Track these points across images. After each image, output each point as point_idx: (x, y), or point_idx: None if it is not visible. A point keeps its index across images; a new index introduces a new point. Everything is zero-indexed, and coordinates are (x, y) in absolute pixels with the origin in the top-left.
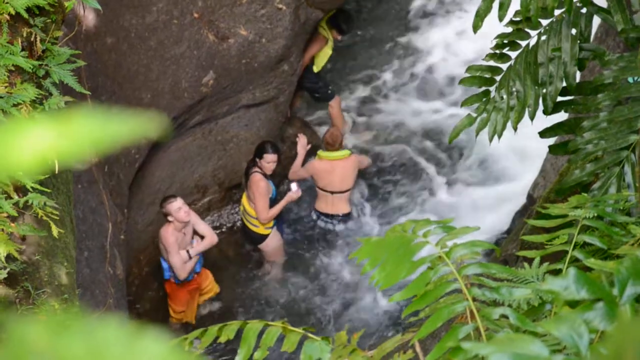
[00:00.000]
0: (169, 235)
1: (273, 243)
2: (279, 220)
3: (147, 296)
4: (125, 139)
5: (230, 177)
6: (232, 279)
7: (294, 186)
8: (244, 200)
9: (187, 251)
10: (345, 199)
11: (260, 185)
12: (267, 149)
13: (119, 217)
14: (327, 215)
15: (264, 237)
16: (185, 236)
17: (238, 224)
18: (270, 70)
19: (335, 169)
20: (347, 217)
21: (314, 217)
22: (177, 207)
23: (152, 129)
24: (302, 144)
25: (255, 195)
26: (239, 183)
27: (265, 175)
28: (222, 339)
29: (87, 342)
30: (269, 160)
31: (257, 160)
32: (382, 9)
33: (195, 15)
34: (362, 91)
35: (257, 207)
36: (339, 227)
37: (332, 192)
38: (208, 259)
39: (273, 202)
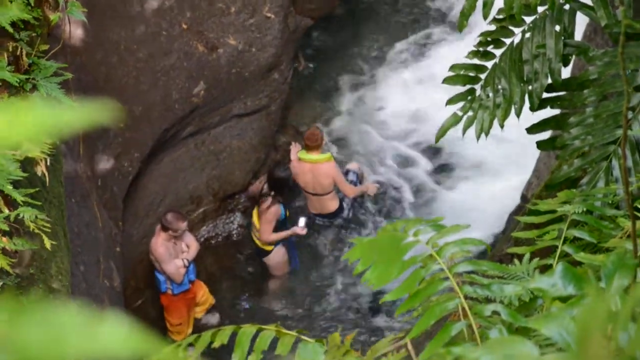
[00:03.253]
0: (158, 246)
1: (276, 258)
2: (291, 246)
3: (145, 308)
4: (79, 125)
5: (224, 187)
6: (229, 288)
7: (301, 222)
8: (255, 213)
9: (183, 260)
10: (329, 198)
11: (271, 211)
12: (287, 181)
13: (113, 230)
14: (319, 215)
15: (267, 252)
16: (176, 245)
17: (234, 233)
18: (261, 79)
19: (313, 172)
20: (338, 212)
21: (312, 216)
22: (183, 229)
23: (106, 116)
24: (296, 152)
25: (264, 217)
26: (234, 193)
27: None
28: (216, 344)
29: (46, 328)
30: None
31: (282, 192)
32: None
33: (184, 26)
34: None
35: (262, 228)
36: (337, 221)
37: (312, 194)
38: (204, 269)
39: (281, 224)
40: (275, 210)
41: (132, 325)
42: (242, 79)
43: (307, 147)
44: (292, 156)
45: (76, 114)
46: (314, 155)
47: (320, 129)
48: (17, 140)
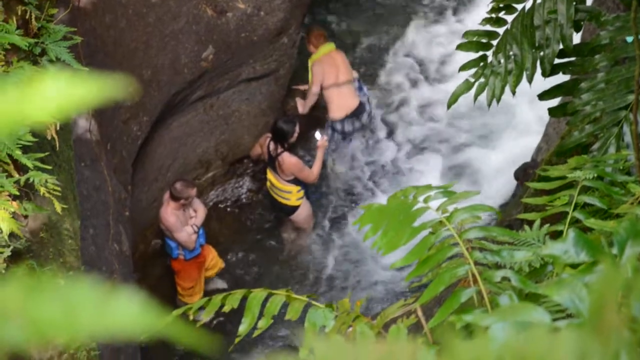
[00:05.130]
0: (168, 215)
1: (304, 212)
2: (305, 189)
3: (154, 272)
4: (94, 100)
5: (233, 151)
6: (239, 252)
7: (317, 135)
8: (271, 176)
9: (192, 226)
10: (353, 88)
11: (293, 163)
12: (291, 131)
13: (123, 194)
14: (346, 118)
15: (295, 208)
16: (185, 212)
17: (243, 198)
18: (270, 43)
19: (335, 58)
20: (362, 108)
21: (339, 127)
22: (194, 196)
23: (120, 90)
24: (302, 105)
25: (295, 172)
26: (242, 157)
27: (290, 148)
28: (227, 308)
29: (61, 303)
30: (296, 136)
31: (285, 143)
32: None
33: None
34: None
35: (303, 177)
36: (364, 118)
37: (341, 84)
38: (213, 234)
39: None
40: (296, 160)
41: (145, 300)
42: (251, 43)
43: (318, 45)
44: (300, 109)
45: (89, 90)
46: (327, 45)
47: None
48: (29, 117)
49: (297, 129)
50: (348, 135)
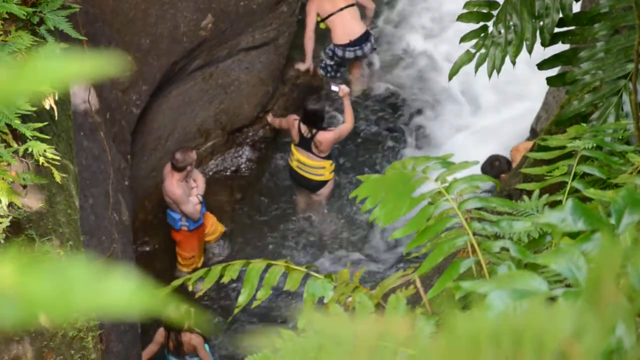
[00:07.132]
0: (174, 188)
1: (330, 187)
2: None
3: (154, 241)
4: (86, 77)
5: (232, 121)
6: (238, 222)
7: (335, 88)
8: (300, 155)
9: (197, 195)
10: (355, 13)
11: (331, 136)
12: (323, 108)
13: (122, 163)
14: (350, 44)
15: (325, 183)
16: (187, 183)
17: (242, 167)
18: (269, 11)
19: None
20: (367, 37)
21: (339, 53)
22: (195, 158)
23: (113, 67)
24: (304, 67)
25: (337, 139)
26: (242, 126)
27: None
28: (225, 279)
29: (56, 280)
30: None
31: (321, 124)
32: None
33: None
34: None
35: (344, 135)
36: (366, 48)
37: (341, 9)
38: (213, 204)
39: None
40: (332, 132)
41: (140, 279)
42: (250, 12)
43: None
44: (302, 67)
45: (85, 66)
46: None
47: None
48: (27, 92)
49: (324, 103)
50: (346, 62)
